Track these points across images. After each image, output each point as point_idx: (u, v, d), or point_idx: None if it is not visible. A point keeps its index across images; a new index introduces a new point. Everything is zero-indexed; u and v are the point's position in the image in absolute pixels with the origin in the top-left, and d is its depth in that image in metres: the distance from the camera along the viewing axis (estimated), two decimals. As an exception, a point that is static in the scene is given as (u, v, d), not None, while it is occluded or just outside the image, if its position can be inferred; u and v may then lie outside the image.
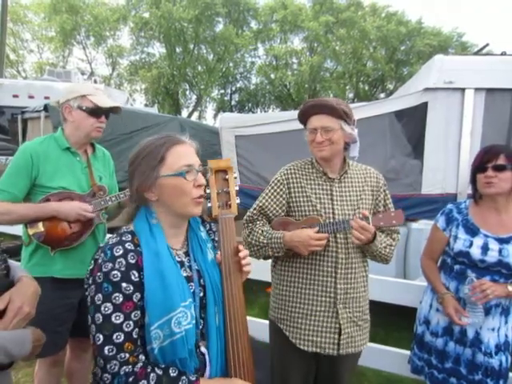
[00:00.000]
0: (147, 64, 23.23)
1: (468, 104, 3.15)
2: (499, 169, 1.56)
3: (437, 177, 3.27)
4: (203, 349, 1.05)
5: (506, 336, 1.64)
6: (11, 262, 1.06)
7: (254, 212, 1.65)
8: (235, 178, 1.20)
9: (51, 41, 22.22)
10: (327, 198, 1.56)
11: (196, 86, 24.20)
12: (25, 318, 0.93)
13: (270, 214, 1.62)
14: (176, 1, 21.59)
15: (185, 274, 1.04)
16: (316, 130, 1.51)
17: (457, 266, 1.68)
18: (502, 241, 1.58)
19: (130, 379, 0.89)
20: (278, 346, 1.66)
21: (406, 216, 1.52)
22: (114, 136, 4.65)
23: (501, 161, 1.56)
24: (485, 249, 1.59)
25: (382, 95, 22.88)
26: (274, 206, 1.61)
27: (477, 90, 3.14)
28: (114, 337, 0.90)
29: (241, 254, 1.10)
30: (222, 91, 25.63)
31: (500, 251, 1.57)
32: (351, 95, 24.29)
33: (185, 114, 24.14)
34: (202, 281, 1.07)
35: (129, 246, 0.97)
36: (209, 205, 1.15)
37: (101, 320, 0.91)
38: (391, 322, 2.81)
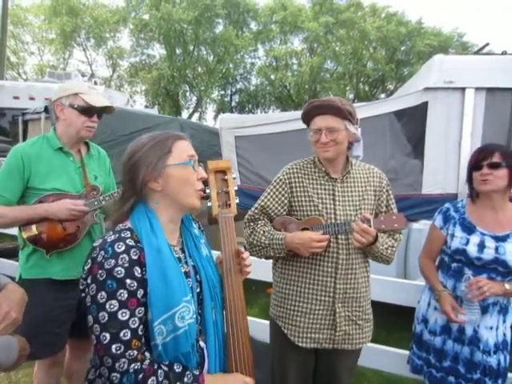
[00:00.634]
0: (147, 65, 23.25)
1: (468, 103, 3.15)
2: (494, 166, 1.58)
3: (437, 177, 3.26)
4: (202, 343, 1.07)
5: (504, 335, 1.64)
6: None
7: (256, 211, 1.65)
8: (234, 178, 1.23)
9: (52, 43, 22.25)
10: (329, 198, 1.55)
11: (196, 88, 24.22)
12: (12, 324, 0.91)
13: (272, 214, 1.62)
14: (176, 2, 21.63)
15: (183, 270, 1.05)
16: (321, 131, 1.50)
17: (454, 264, 1.70)
18: (498, 239, 1.60)
19: (140, 376, 0.89)
20: (277, 343, 1.66)
21: (407, 216, 1.52)
22: (114, 137, 4.65)
23: (496, 158, 1.58)
24: (481, 246, 1.60)
25: (383, 96, 22.86)
26: (276, 205, 1.61)
27: (477, 89, 3.14)
28: (122, 334, 0.89)
29: (244, 256, 1.15)
30: (222, 92, 25.66)
31: (496, 249, 1.58)
32: (351, 96, 24.26)
33: (185, 115, 24.15)
34: (197, 276, 1.09)
35: (130, 242, 0.96)
36: (209, 204, 1.18)
37: (106, 318, 0.89)
38: (392, 322, 2.80)
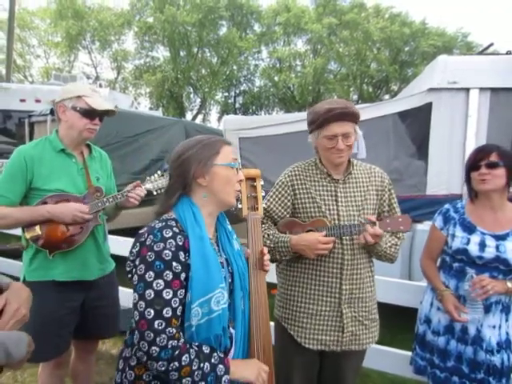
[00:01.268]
0: (151, 68, 23.38)
1: (473, 104, 3.14)
2: (492, 166, 1.59)
3: (442, 177, 3.25)
4: (231, 329, 1.17)
5: (507, 334, 1.64)
6: None
7: None
8: (262, 184, 1.42)
9: (57, 46, 22.46)
10: (332, 200, 1.56)
11: (200, 89, 24.30)
12: (21, 320, 0.93)
13: (276, 217, 1.63)
14: (180, 5, 21.75)
15: (219, 260, 1.13)
16: (336, 137, 1.48)
17: (456, 264, 1.70)
18: (498, 238, 1.61)
19: (176, 353, 0.97)
20: (282, 345, 1.66)
21: (411, 217, 1.53)
22: (119, 138, 4.70)
23: (493, 158, 1.60)
24: (482, 245, 1.61)
25: (387, 97, 22.79)
26: (279, 208, 1.62)
27: (481, 89, 3.12)
28: (164, 311, 0.98)
29: (266, 255, 1.31)
30: (226, 94, 25.72)
31: (497, 247, 1.59)
32: (355, 97, 24.23)
33: (189, 116, 24.26)
34: (229, 268, 1.18)
35: (175, 229, 1.06)
36: (239, 206, 1.35)
37: (152, 295, 0.98)
38: (395, 324, 2.78)
